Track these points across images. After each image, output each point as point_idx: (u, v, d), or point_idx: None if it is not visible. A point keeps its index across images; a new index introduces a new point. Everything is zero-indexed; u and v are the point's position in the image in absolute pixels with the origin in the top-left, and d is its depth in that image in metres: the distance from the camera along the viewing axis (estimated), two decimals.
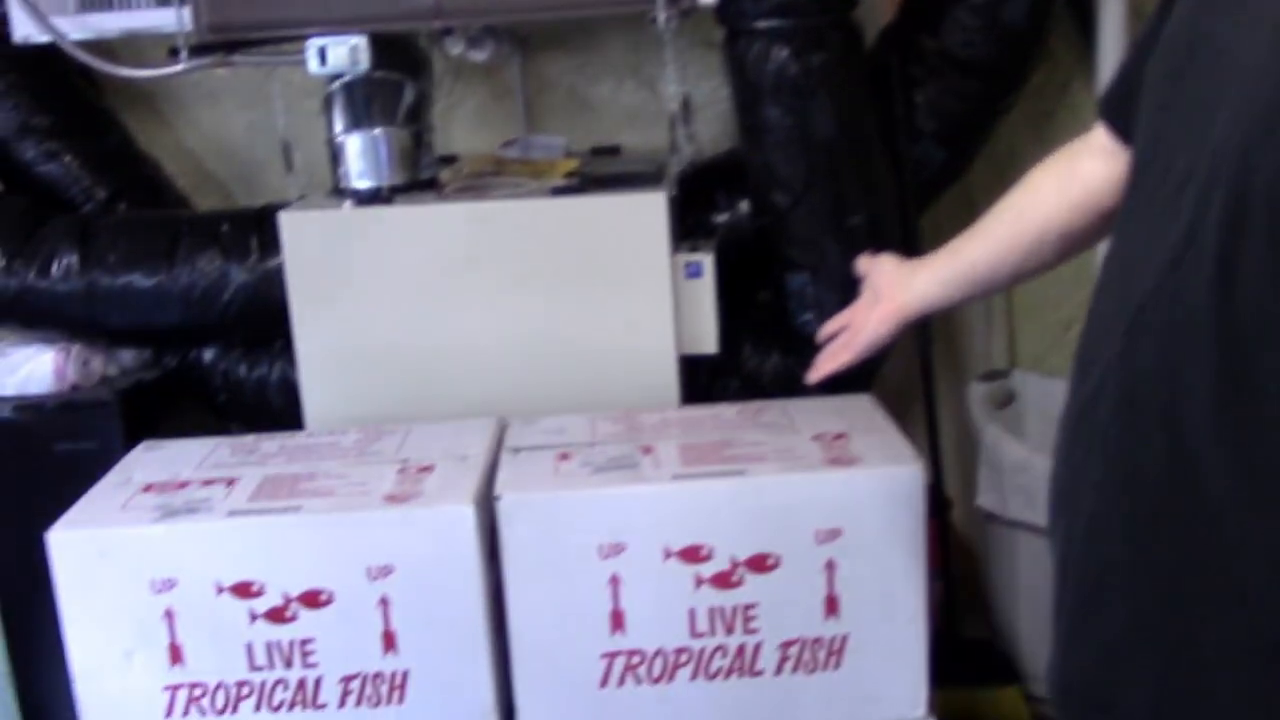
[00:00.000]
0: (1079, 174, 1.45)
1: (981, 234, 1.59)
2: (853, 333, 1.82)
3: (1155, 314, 1.08)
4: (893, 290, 1.74)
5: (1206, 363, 1.04)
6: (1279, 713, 1.05)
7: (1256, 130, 1.00)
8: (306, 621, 1.88)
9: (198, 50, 2.40)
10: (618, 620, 1.89)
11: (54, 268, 2.53)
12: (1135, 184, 1.21)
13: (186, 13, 2.38)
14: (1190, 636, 1.08)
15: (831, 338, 1.88)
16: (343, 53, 2.30)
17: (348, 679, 1.90)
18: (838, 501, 1.87)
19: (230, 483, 1.99)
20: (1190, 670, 1.09)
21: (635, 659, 1.90)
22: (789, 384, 2.49)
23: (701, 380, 2.51)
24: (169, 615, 1.87)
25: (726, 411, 2.17)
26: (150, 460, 2.13)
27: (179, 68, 2.43)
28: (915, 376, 2.76)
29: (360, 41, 2.30)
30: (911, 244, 2.57)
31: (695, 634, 1.90)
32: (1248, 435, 1.02)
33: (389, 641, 1.89)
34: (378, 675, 1.90)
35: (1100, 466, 1.15)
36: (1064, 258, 1.53)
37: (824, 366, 1.86)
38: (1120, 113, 1.30)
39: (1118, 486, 1.13)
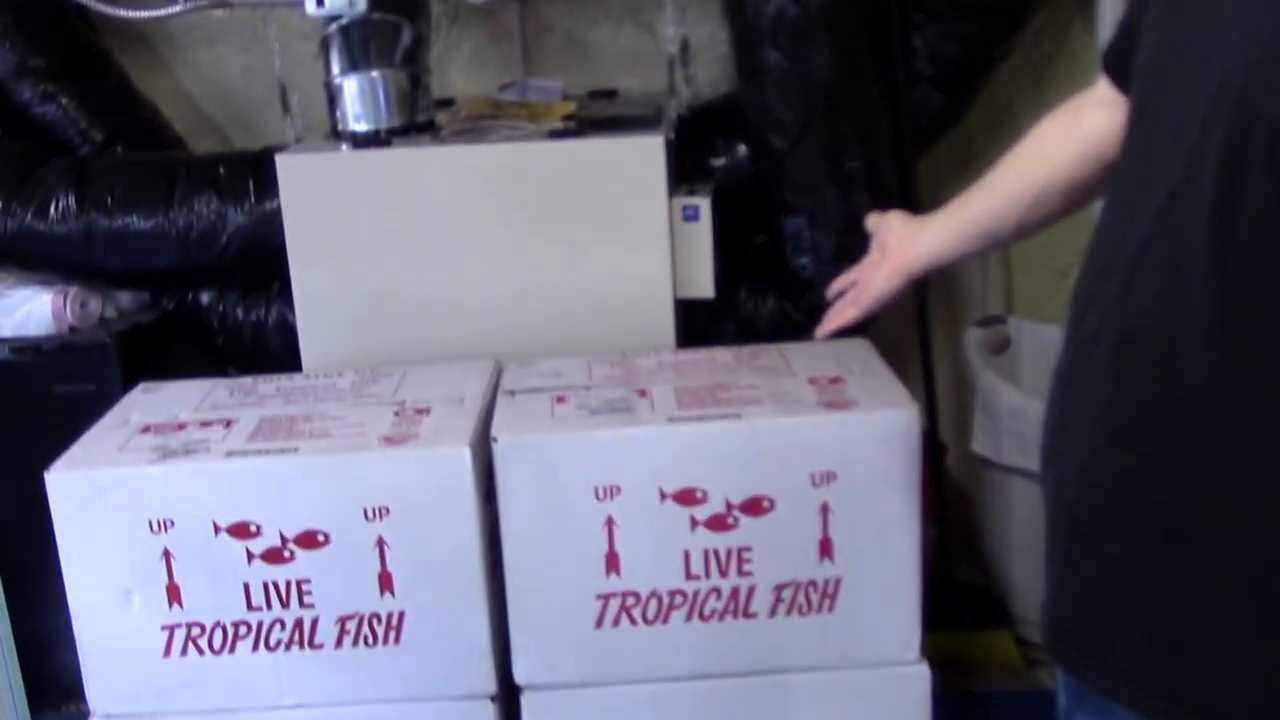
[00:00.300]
0: (1083, 126, 1.44)
1: (987, 188, 1.59)
2: (860, 289, 1.82)
3: (1155, 253, 1.09)
4: (901, 246, 1.75)
5: (1205, 298, 1.04)
6: (1272, 646, 1.06)
7: (1259, 64, 1.00)
8: (303, 562, 1.89)
9: None
10: (613, 562, 1.90)
11: (51, 210, 2.53)
12: (1134, 128, 1.21)
13: None
14: (1185, 573, 1.09)
15: (840, 295, 1.88)
16: None
17: (344, 619, 1.91)
18: (833, 445, 1.88)
19: (228, 424, 2.00)
20: (1184, 607, 1.10)
21: (630, 600, 1.92)
22: (785, 327, 2.50)
23: (698, 324, 2.51)
24: (167, 555, 1.88)
25: (722, 355, 2.17)
26: (148, 401, 2.13)
27: (176, 9, 2.42)
28: (912, 321, 2.76)
29: None
30: (909, 189, 2.57)
31: (690, 576, 1.91)
32: (1245, 370, 1.03)
33: (385, 582, 1.90)
34: (374, 616, 1.91)
35: (1096, 407, 1.16)
36: (1068, 211, 1.54)
37: (831, 322, 1.87)
38: (1122, 64, 1.30)
39: (1114, 426, 1.14)
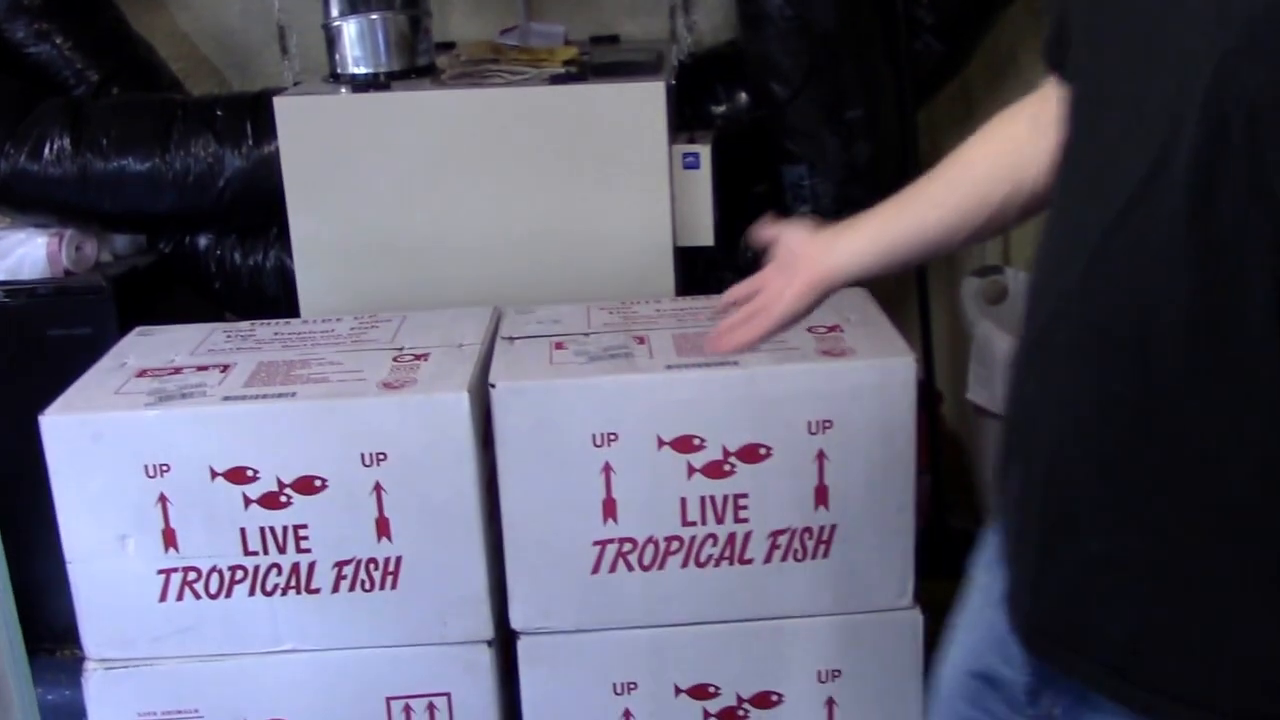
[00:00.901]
0: (1048, 133, 1.28)
1: (932, 202, 1.42)
2: (765, 303, 1.54)
3: (1122, 238, 1.05)
4: (812, 259, 1.50)
5: (1180, 283, 1.01)
6: (1256, 635, 1.05)
7: (1236, 42, 0.97)
8: (300, 507, 1.89)
9: None
10: (609, 508, 1.90)
11: (46, 151, 2.51)
12: (1082, 115, 1.15)
13: None
14: (1168, 566, 1.08)
15: (732, 305, 1.60)
16: None
17: (341, 564, 1.92)
18: (830, 393, 1.88)
19: (225, 369, 1.99)
20: (1168, 599, 1.08)
21: (627, 546, 1.92)
22: None
23: (697, 272, 2.50)
24: (163, 500, 1.88)
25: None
26: (144, 345, 2.13)
27: None
28: (910, 270, 2.76)
29: None
30: (909, 138, 2.56)
31: (686, 523, 1.91)
32: (1225, 360, 1.01)
33: (382, 528, 1.90)
34: (371, 561, 1.91)
35: (1061, 397, 1.13)
36: (1029, 217, 1.39)
37: (733, 338, 1.54)
38: (1063, 55, 1.22)
39: (1084, 416, 1.11)
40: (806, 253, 1.51)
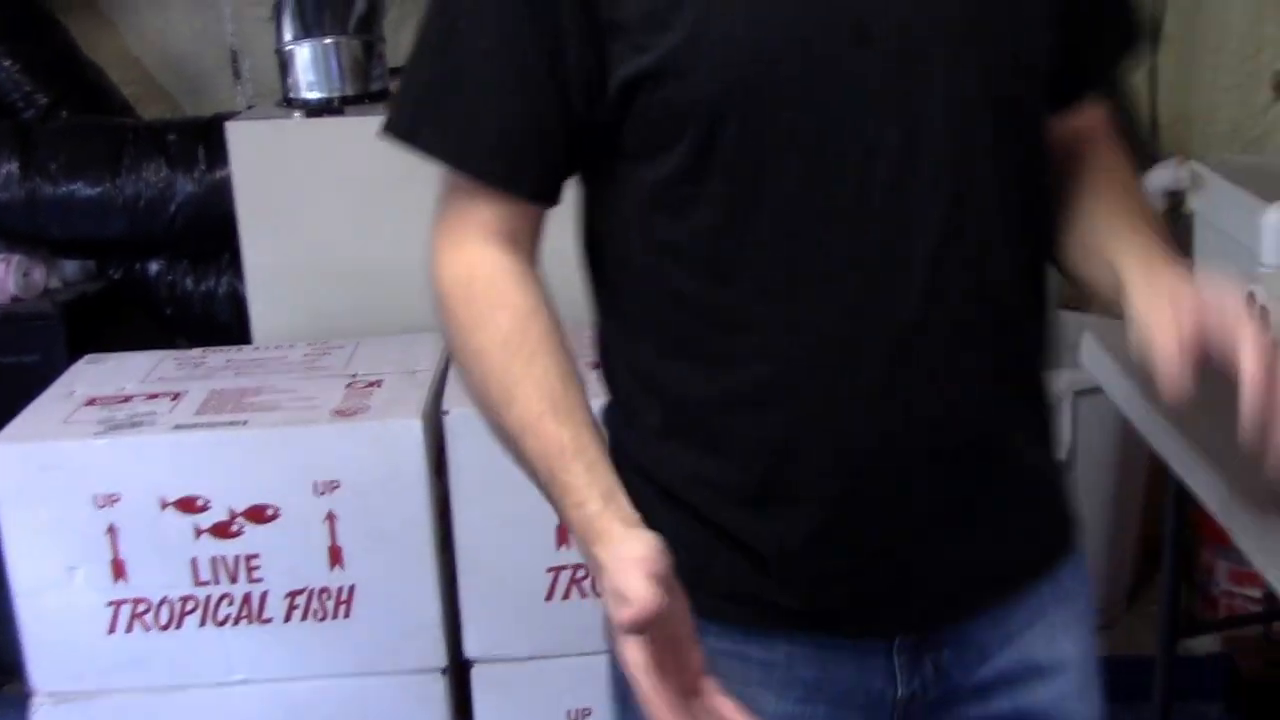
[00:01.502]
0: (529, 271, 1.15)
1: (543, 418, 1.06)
2: None
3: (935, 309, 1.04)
4: None
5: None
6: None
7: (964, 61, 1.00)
8: (252, 536, 1.87)
9: None
10: (564, 535, 1.89)
11: None
12: (761, 209, 1.03)
13: None
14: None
15: None
16: None
17: (294, 594, 1.90)
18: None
19: (175, 396, 1.97)
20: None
21: (581, 573, 1.91)
22: None
23: None
24: (112, 530, 1.86)
25: None
26: (93, 373, 2.10)
27: None
28: None
29: None
30: None
31: None
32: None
33: (335, 556, 1.88)
34: (324, 590, 1.90)
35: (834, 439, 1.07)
36: None
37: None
38: (522, 167, 1.10)
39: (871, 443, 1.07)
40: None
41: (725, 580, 1.10)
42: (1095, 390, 1.89)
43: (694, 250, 1.06)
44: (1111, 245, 1.11)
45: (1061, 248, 1.16)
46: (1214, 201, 2.43)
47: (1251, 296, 1.61)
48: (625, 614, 0.90)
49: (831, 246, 1.02)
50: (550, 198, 1.11)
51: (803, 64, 0.99)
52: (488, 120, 1.07)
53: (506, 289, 1.08)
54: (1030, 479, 1.16)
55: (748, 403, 1.07)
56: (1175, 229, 2.73)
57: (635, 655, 0.91)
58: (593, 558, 0.98)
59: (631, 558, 0.93)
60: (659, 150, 1.04)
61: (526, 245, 1.10)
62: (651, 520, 0.98)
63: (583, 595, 1.91)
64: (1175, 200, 2.69)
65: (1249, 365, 0.93)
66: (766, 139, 1.00)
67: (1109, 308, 1.11)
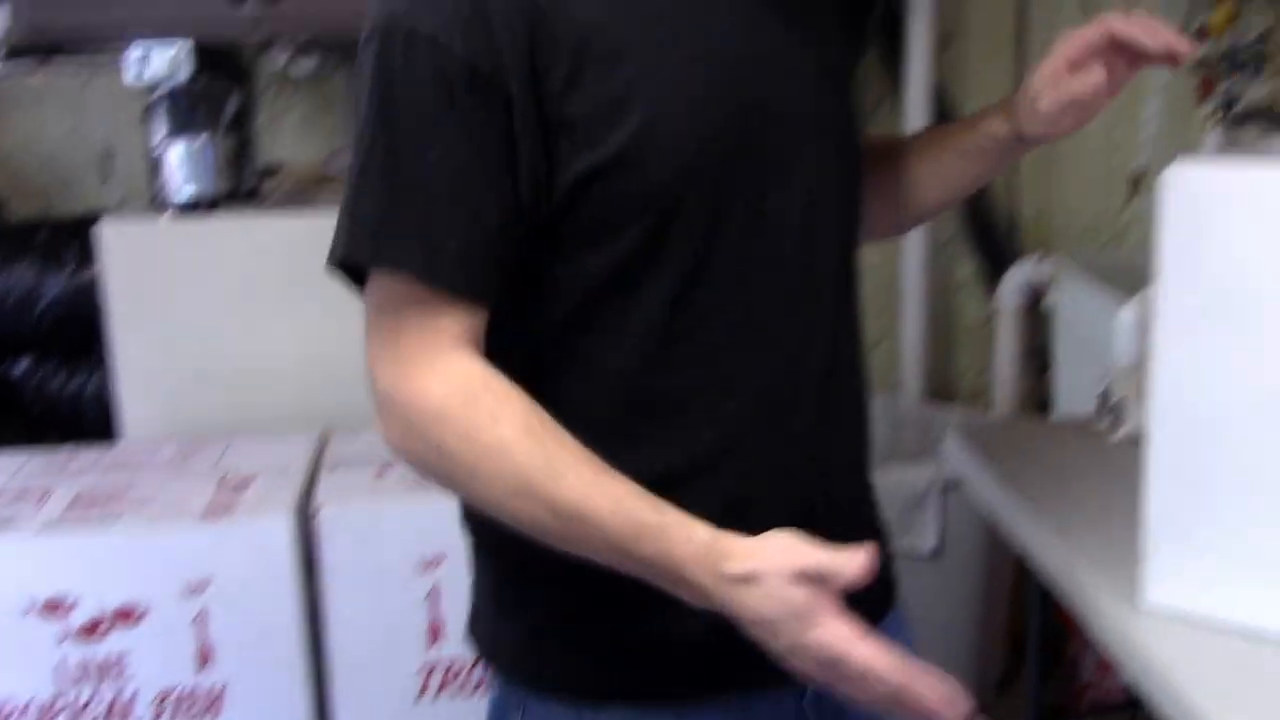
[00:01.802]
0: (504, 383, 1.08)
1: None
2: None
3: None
4: None
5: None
6: None
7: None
8: (120, 638, 1.86)
9: (15, 52, 2.35)
10: (435, 632, 1.90)
11: None
12: (712, 298, 1.11)
13: (4, 12, 2.32)
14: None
15: None
16: (164, 60, 2.28)
17: (163, 695, 1.88)
18: None
19: (42, 496, 1.96)
20: None
21: (453, 670, 1.91)
22: None
23: None
24: None
25: None
26: None
27: None
28: None
29: (181, 49, 2.28)
30: None
31: None
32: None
33: (205, 656, 1.87)
34: (193, 691, 1.88)
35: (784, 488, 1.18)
36: None
37: None
38: (488, 273, 1.08)
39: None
40: None
41: (667, 646, 1.15)
42: (962, 483, 1.94)
43: (638, 327, 1.11)
44: (958, 127, 1.38)
45: (904, 198, 1.40)
46: (1073, 297, 2.51)
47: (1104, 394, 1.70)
48: (834, 577, 0.96)
49: (769, 302, 1.13)
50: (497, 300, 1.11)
51: (738, 142, 1.10)
52: (453, 229, 1.06)
53: (502, 387, 1.07)
54: (882, 528, 1.30)
55: (700, 468, 1.12)
56: (1034, 323, 2.83)
57: (839, 629, 0.97)
58: (723, 577, 1.00)
59: (782, 545, 0.99)
60: (608, 236, 1.09)
61: (481, 350, 1.11)
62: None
63: (454, 693, 1.92)
64: (1035, 295, 2.78)
65: None
66: (713, 212, 1.10)
67: (992, 152, 1.32)
